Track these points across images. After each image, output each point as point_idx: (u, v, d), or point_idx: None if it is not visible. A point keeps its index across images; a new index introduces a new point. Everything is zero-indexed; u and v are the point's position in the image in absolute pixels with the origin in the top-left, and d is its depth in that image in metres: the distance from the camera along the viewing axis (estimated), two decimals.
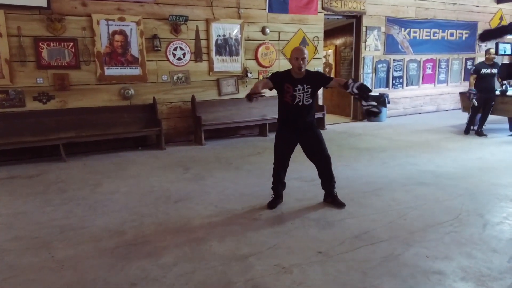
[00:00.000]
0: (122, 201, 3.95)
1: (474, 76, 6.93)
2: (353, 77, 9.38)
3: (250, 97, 3.20)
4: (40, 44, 5.98)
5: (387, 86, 9.61)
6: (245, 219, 3.38)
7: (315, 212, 3.50)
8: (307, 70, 3.51)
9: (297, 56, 3.38)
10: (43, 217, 3.58)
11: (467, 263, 2.55)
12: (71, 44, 6.17)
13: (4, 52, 5.78)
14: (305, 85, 3.44)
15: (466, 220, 3.25)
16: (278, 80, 3.48)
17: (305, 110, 3.52)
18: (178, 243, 2.93)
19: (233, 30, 7.32)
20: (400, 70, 9.73)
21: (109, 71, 6.50)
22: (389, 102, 9.07)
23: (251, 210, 3.59)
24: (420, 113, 10.22)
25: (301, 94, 3.44)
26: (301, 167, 5.06)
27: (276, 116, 3.76)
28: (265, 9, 7.58)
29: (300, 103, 3.47)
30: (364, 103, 3.38)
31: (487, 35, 5.97)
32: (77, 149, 6.33)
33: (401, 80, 9.82)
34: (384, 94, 9.05)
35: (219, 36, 7.22)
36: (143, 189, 4.34)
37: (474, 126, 7.16)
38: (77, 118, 6.29)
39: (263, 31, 7.62)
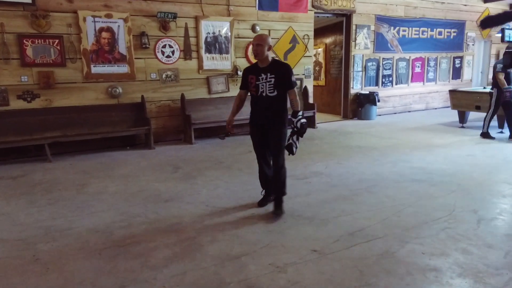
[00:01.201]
0: (110, 201, 3.84)
1: (503, 74, 6.26)
2: (343, 76, 9.39)
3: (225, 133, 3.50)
4: (24, 41, 5.81)
5: (376, 84, 9.62)
6: (237, 218, 3.30)
7: (308, 210, 3.44)
8: (275, 60, 3.36)
9: (253, 42, 3.28)
10: (28, 218, 3.45)
11: (464, 260, 2.51)
12: (57, 41, 6.01)
13: None
14: (268, 74, 3.23)
15: (460, 216, 3.22)
16: (246, 75, 3.39)
17: (269, 102, 3.28)
18: (169, 244, 2.84)
19: (222, 27, 7.23)
20: (389, 69, 9.76)
21: (96, 69, 6.35)
22: (379, 101, 9.09)
23: (243, 209, 3.51)
24: (409, 112, 10.26)
25: (264, 84, 3.24)
26: (292, 164, 5.02)
27: None
28: (255, 6, 7.50)
29: (264, 94, 3.26)
30: (294, 138, 3.22)
31: (488, 22, 5.67)
32: (63, 149, 6.17)
33: (390, 79, 9.85)
34: (374, 92, 9.06)
35: (209, 33, 7.13)
36: (131, 189, 4.23)
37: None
38: (63, 117, 6.13)
39: (253, 28, 7.55)
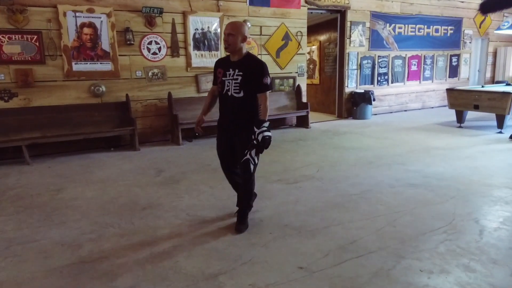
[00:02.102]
0: (83, 209, 3.55)
1: None
2: (338, 74, 9.12)
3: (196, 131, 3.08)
4: (1, 37, 5.49)
5: (372, 83, 9.37)
6: (219, 229, 3.02)
7: (297, 219, 3.17)
8: (250, 55, 2.88)
9: (224, 31, 2.80)
10: None
11: (467, 278, 2.25)
12: (35, 37, 5.70)
13: None
14: (236, 70, 2.77)
15: (461, 226, 2.97)
16: (215, 67, 2.96)
17: (234, 104, 2.82)
18: (140, 260, 2.55)
19: (212, 23, 6.94)
20: (385, 67, 9.51)
21: (78, 67, 6.04)
22: (374, 99, 8.84)
23: (227, 218, 3.24)
24: (405, 111, 10.02)
25: (230, 81, 2.79)
26: (281, 168, 4.76)
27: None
28: (246, 1, 7.22)
29: (229, 93, 2.81)
30: (252, 154, 2.75)
31: (489, 5, 5.22)
32: (43, 150, 5.87)
33: (386, 77, 9.60)
34: (369, 91, 8.80)
35: (197, 29, 6.84)
36: (109, 195, 3.94)
37: None
38: (43, 117, 5.82)
39: None
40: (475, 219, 3.11)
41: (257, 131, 2.71)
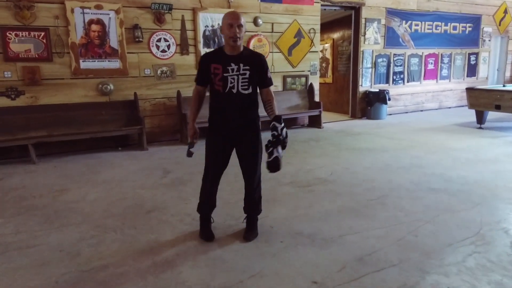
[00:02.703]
0: (86, 212, 3.40)
1: None
2: (351, 73, 8.86)
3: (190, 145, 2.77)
4: (8, 34, 5.40)
5: (387, 82, 9.08)
6: (226, 236, 2.83)
7: (310, 226, 2.96)
8: (248, 49, 2.68)
9: (231, 21, 2.44)
10: None
11: None
12: (42, 34, 5.59)
13: None
14: (241, 65, 2.51)
15: (490, 237, 2.72)
16: (207, 64, 2.57)
17: (243, 102, 2.58)
18: (141, 269, 2.38)
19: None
20: (401, 65, 9.21)
21: (85, 64, 5.92)
22: (389, 99, 8.56)
23: (234, 224, 3.04)
24: (421, 111, 9.70)
25: (235, 77, 2.51)
26: (293, 169, 4.54)
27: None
28: None
29: (235, 91, 2.53)
30: (279, 150, 2.47)
31: None
32: (49, 149, 5.77)
33: (402, 76, 9.29)
34: (384, 90, 8.52)
35: (207, 26, 6.66)
36: (113, 197, 3.78)
37: None
38: (50, 116, 5.71)
39: (255, 22, 7.07)
40: (504, 229, 2.85)
41: (279, 126, 2.47)
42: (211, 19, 6.66)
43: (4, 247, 2.76)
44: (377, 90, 8.62)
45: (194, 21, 6.53)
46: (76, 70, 5.87)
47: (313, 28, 7.74)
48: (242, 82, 2.56)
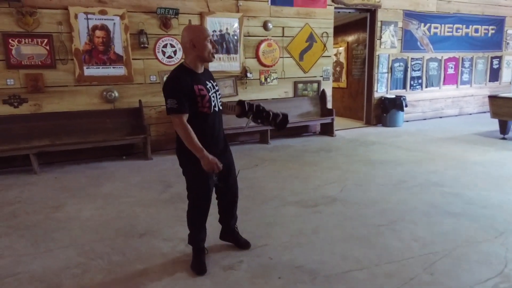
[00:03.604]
0: (76, 233, 3.21)
1: None
2: (366, 77, 8.52)
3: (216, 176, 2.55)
4: (10, 40, 5.30)
5: (404, 87, 8.69)
6: (219, 268, 2.58)
7: (313, 258, 2.69)
8: None
9: (209, 36, 2.35)
10: None
11: None
12: (46, 40, 5.47)
13: None
14: (211, 81, 2.46)
15: None
16: (189, 87, 2.28)
17: (220, 119, 2.53)
18: None
19: (231, 25, 6.53)
20: (419, 70, 8.80)
21: (89, 71, 5.78)
22: (406, 105, 8.18)
23: (231, 252, 2.80)
24: (440, 117, 9.27)
25: (214, 95, 2.43)
26: (300, 186, 4.27)
27: None
28: (267, 1, 6.76)
29: (217, 109, 2.45)
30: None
31: None
32: (53, 158, 5.66)
33: (420, 81, 8.89)
34: (401, 96, 8.15)
35: (215, 31, 6.44)
36: (107, 215, 3.59)
37: None
38: (53, 124, 5.59)
39: (265, 26, 6.82)
40: None
41: (248, 102, 2.63)
42: (219, 23, 6.44)
43: None
44: (394, 96, 8.25)
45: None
46: (80, 77, 5.73)
47: (326, 32, 7.44)
48: (218, 99, 2.49)
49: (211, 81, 2.46)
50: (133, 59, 5.98)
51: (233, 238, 2.88)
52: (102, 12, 5.70)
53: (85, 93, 5.81)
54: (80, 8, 5.57)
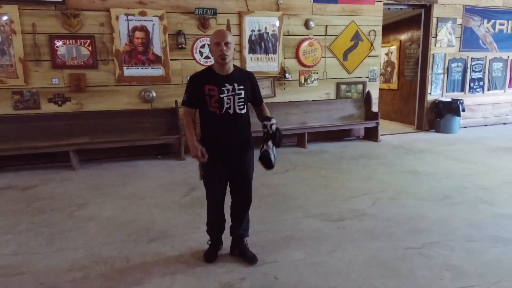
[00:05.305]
0: (90, 234, 3.21)
1: None
2: (419, 79, 7.89)
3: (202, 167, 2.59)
4: (56, 41, 5.55)
5: (462, 90, 7.93)
6: (218, 285, 2.40)
7: (323, 283, 2.40)
8: (236, 67, 2.58)
9: (218, 40, 2.37)
10: None
11: None
12: (88, 41, 5.66)
13: (19, 51, 5.42)
14: (235, 85, 2.44)
15: None
16: (199, 85, 2.44)
17: (239, 122, 2.51)
18: None
19: (270, 24, 6.33)
20: (480, 71, 7.97)
21: (129, 71, 5.90)
22: (463, 110, 7.45)
23: (236, 267, 2.61)
24: (504, 124, 8.34)
25: (231, 97, 2.44)
26: (327, 196, 3.96)
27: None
28: None
29: (231, 111, 2.46)
30: (269, 144, 2.47)
31: None
32: (93, 155, 5.86)
33: (481, 83, 8.05)
34: (458, 100, 7.43)
35: (254, 31, 6.28)
36: (125, 217, 3.57)
37: None
38: (93, 123, 5.78)
39: (306, 24, 6.53)
40: None
41: (268, 123, 2.49)
42: (257, 23, 6.27)
43: None
44: (449, 99, 7.55)
45: (240, 25, 6.20)
46: (120, 77, 5.86)
47: (373, 30, 6.97)
48: (238, 102, 2.49)
49: (236, 84, 2.45)
50: (171, 59, 6.01)
51: (240, 250, 2.73)
52: (142, 13, 5.78)
53: (124, 93, 5.94)
54: (121, 10, 5.69)
